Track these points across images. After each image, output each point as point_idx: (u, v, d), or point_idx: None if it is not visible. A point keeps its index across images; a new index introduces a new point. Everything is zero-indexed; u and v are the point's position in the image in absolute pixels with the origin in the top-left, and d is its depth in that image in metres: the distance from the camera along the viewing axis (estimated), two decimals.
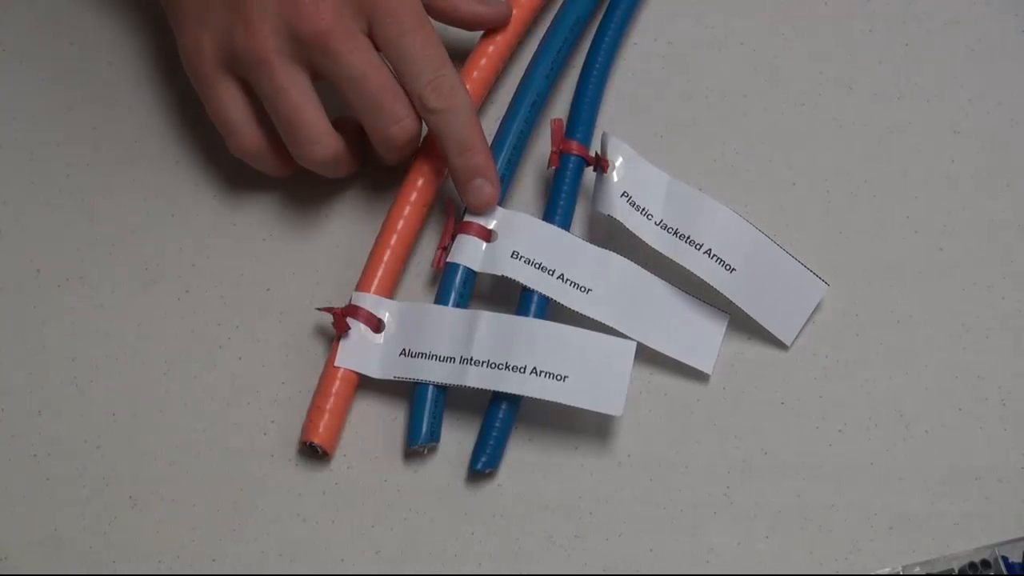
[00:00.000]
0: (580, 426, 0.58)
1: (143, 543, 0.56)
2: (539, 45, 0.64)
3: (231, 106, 0.59)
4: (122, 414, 0.59)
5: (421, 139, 0.61)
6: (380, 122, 0.59)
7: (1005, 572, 0.54)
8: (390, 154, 0.60)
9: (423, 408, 0.57)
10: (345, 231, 0.62)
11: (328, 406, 0.57)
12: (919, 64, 0.65)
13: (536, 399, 0.56)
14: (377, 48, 0.59)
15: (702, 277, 0.59)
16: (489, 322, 0.57)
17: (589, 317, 0.58)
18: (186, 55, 0.60)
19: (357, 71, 0.57)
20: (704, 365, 0.59)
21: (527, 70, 0.63)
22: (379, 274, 0.59)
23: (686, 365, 0.59)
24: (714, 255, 0.59)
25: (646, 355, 0.58)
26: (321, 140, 0.58)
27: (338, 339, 0.58)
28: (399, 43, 0.58)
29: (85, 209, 0.63)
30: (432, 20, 0.60)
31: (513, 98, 0.62)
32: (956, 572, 0.55)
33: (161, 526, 0.57)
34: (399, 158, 0.61)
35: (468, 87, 0.61)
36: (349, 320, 0.58)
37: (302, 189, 0.63)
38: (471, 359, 0.57)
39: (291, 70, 0.58)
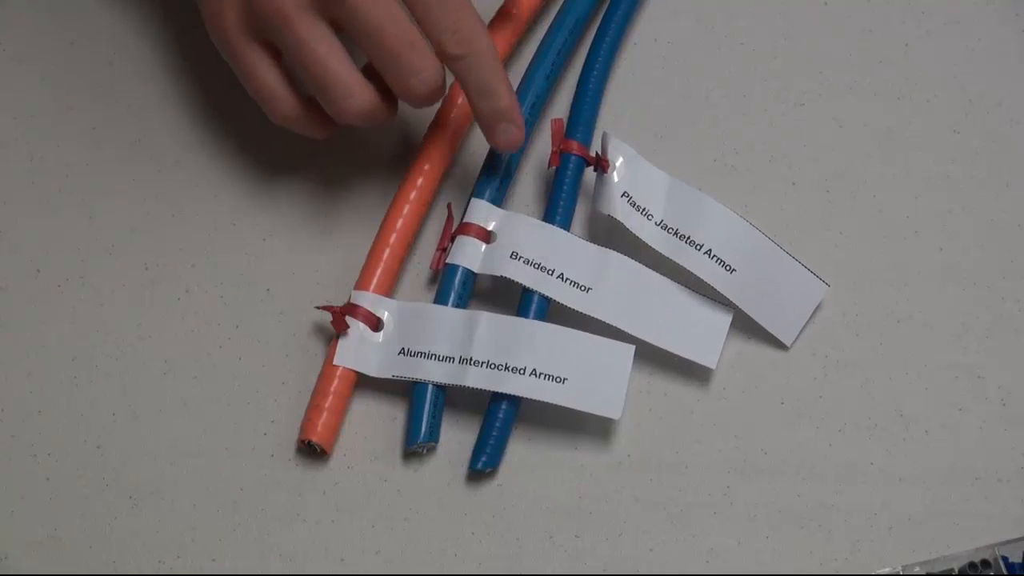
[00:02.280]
0: (580, 426, 0.58)
1: (143, 543, 0.57)
2: (539, 46, 0.64)
3: (263, 73, 0.58)
4: (122, 414, 0.59)
5: (447, 87, 0.59)
6: (398, 75, 0.57)
7: (1005, 572, 0.54)
8: (414, 104, 0.58)
9: (422, 408, 0.57)
10: (346, 231, 0.62)
11: (326, 404, 0.57)
12: (919, 64, 0.65)
13: (536, 399, 0.56)
14: None
15: (702, 278, 0.59)
16: (489, 323, 0.57)
17: (590, 316, 0.58)
18: (210, 27, 0.58)
19: (373, 22, 0.56)
20: (708, 360, 0.58)
21: (527, 71, 0.63)
22: (378, 273, 0.59)
23: (686, 365, 0.59)
24: (714, 256, 0.59)
25: (646, 355, 0.58)
26: (353, 92, 0.57)
27: (337, 337, 0.58)
28: None
29: (85, 209, 0.63)
30: None
31: None
32: (956, 572, 0.55)
33: (161, 526, 0.57)
34: (425, 106, 0.59)
35: None
36: (348, 319, 0.58)
37: (302, 189, 0.63)
38: (470, 359, 0.57)
39: (313, 23, 0.56)
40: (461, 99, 0.62)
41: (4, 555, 0.56)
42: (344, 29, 0.57)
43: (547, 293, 0.58)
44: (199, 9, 0.59)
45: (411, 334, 0.58)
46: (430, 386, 0.57)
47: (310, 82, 0.57)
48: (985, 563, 0.55)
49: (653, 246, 0.60)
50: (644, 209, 0.60)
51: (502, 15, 0.64)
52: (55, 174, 0.63)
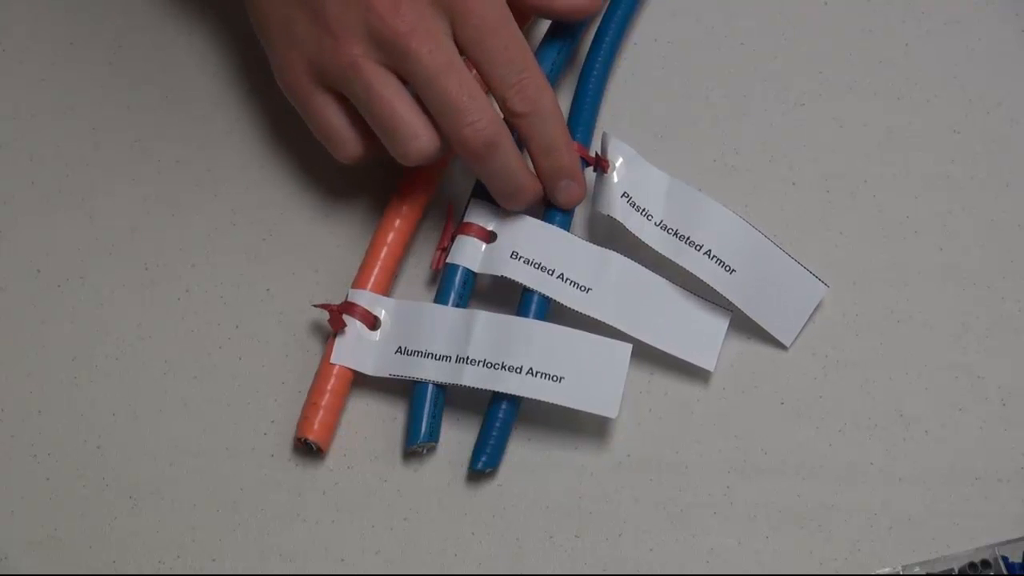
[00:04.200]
0: (580, 426, 0.58)
1: (143, 543, 0.57)
2: (539, 46, 0.63)
3: (331, 118, 0.58)
4: (122, 414, 0.59)
5: (508, 150, 0.58)
6: (453, 123, 0.57)
7: (1005, 572, 0.54)
8: (468, 157, 0.57)
9: (422, 408, 0.57)
10: (346, 231, 0.62)
11: (323, 402, 0.57)
12: (919, 64, 0.65)
13: (535, 399, 0.56)
14: (461, 51, 0.57)
15: (702, 278, 0.59)
16: (486, 322, 0.57)
17: (590, 317, 0.58)
18: (280, 74, 0.59)
19: (432, 71, 0.56)
20: (706, 363, 0.58)
21: None
22: (375, 272, 0.59)
23: (686, 365, 0.59)
24: (714, 256, 0.59)
25: (646, 355, 0.58)
26: (419, 134, 0.57)
27: (334, 336, 0.58)
28: (481, 45, 0.57)
29: (85, 209, 0.63)
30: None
31: None
32: (956, 572, 0.55)
33: (161, 526, 0.57)
34: (480, 162, 0.58)
35: None
36: (345, 317, 0.58)
37: (302, 188, 0.63)
38: (467, 358, 0.57)
39: (379, 71, 0.57)
40: None
41: (4, 555, 0.56)
42: (408, 80, 0.57)
43: (547, 293, 0.58)
44: (268, 57, 0.60)
45: (408, 333, 0.58)
46: (430, 386, 0.57)
47: (377, 125, 0.57)
48: (985, 563, 0.55)
49: (653, 246, 0.60)
50: (644, 209, 0.60)
51: None
52: (55, 174, 0.63)
